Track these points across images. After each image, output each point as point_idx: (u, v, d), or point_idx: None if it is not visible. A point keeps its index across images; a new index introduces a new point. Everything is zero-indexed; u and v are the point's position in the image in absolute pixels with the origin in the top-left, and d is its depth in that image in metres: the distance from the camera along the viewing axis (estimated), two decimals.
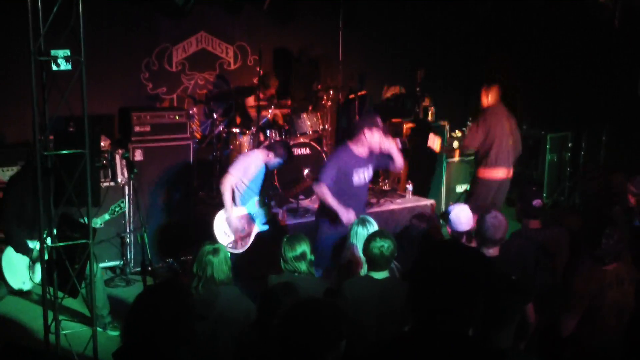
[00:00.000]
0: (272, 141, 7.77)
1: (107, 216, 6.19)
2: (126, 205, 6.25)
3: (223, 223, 6.35)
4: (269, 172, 6.67)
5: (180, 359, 2.93)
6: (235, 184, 6.33)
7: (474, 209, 5.27)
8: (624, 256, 4.44)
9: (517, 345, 4.37)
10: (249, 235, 6.43)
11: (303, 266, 4.71)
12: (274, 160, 6.45)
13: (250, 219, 6.44)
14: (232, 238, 6.35)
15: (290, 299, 3.73)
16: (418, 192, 8.69)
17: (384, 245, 4.39)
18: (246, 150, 8.07)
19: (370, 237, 4.51)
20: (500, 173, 7.76)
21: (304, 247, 4.72)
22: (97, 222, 6.05)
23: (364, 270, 4.77)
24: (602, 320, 4.27)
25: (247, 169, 6.35)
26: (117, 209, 6.17)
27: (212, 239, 6.20)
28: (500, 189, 7.84)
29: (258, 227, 6.47)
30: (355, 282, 4.54)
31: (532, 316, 4.39)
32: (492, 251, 4.54)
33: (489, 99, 7.86)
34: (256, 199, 6.46)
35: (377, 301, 4.28)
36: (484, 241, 4.56)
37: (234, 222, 6.32)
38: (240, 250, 6.37)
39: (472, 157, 9.53)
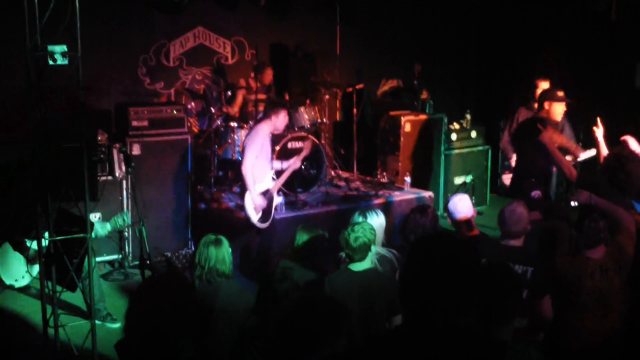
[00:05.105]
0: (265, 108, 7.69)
1: (109, 226, 5.86)
2: (129, 219, 6.07)
3: (249, 202, 6.61)
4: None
5: (182, 350, 2.93)
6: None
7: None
8: (610, 243, 4.42)
9: (536, 337, 4.33)
10: (269, 209, 6.70)
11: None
12: (280, 121, 6.60)
13: (269, 195, 6.66)
14: (260, 214, 6.64)
15: (285, 285, 3.83)
16: (416, 184, 8.71)
17: (350, 234, 4.33)
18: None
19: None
20: None
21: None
22: (100, 233, 5.79)
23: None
24: (583, 306, 4.28)
25: (262, 146, 6.55)
26: (119, 221, 5.94)
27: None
28: None
29: (277, 200, 6.80)
30: (335, 276, 4.48)
31: (547, 310, 4.29)
32: (514, 242, 4.55)
33: None
34: (270, 173, 6.70)
35: (357, 294, 4.22)
36: (503, 232, 4.60)
37: (256, 199, 6.57)
38: (266, 225, 6.68)
39: (471, 149, 9.56)
